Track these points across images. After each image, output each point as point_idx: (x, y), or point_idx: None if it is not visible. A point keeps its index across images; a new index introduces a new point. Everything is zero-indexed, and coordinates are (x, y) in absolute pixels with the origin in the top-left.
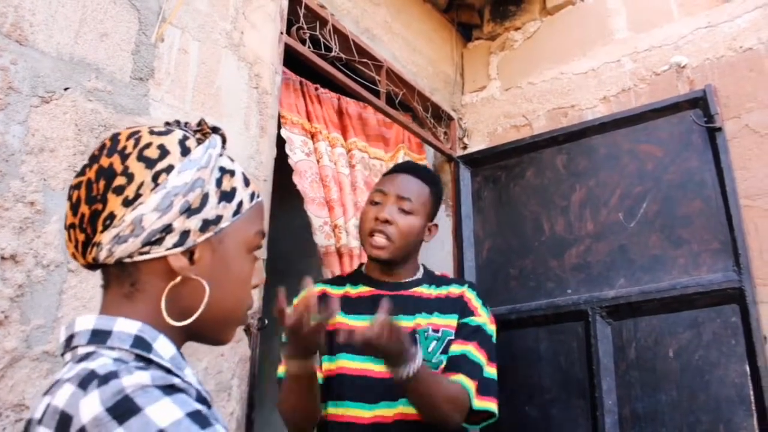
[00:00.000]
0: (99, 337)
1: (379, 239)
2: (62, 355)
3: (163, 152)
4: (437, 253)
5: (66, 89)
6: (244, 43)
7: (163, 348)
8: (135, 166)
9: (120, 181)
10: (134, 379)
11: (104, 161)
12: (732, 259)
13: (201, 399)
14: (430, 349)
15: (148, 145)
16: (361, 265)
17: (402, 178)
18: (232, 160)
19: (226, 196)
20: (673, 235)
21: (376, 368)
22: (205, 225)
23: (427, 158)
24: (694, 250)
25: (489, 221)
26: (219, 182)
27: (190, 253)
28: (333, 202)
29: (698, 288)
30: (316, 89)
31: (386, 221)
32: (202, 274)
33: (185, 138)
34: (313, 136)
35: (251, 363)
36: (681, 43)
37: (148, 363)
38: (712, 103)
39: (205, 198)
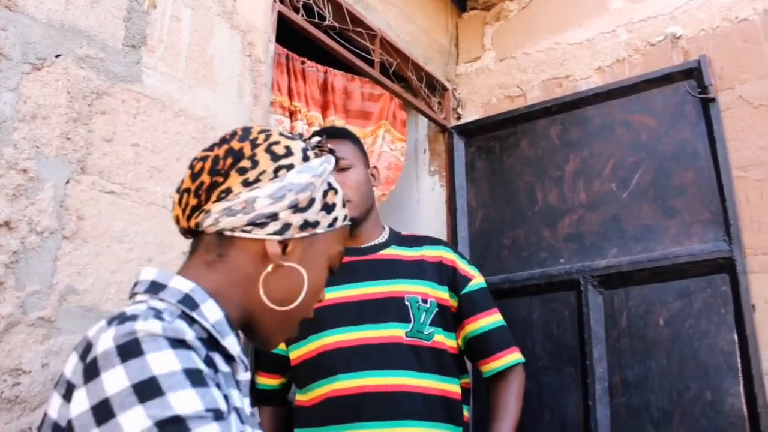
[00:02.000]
0: (155, 288)
1: None
2: (129, 299)
3: (288, 152)
4: (431, 223)
5: (57, 56)
6: (237, 10)
7: (210, 311)
8: (262, 155)
9: (245, 164)
10: (147, 326)
11: (235, 144)
12: (723, 229)
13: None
14: (421, 320)
15: (276, 143)
16: None
17: None
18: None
19: (327, 208)
20: (665, 205)
21: (375, 334)
22: (305, 225)
23: (413, 134)
24: (686, 220)
25: (482, 191)
26: (325, 194)
27: (284, 246)
28: None
29: (689, 258)
30: (303, 63)
31: None
32: (291, 261)
33: (307, 148)
34: (291, 115)
35: None
36: (676, 13)
37: (192, 321)
38: (707, 74)
39: (311, 202)
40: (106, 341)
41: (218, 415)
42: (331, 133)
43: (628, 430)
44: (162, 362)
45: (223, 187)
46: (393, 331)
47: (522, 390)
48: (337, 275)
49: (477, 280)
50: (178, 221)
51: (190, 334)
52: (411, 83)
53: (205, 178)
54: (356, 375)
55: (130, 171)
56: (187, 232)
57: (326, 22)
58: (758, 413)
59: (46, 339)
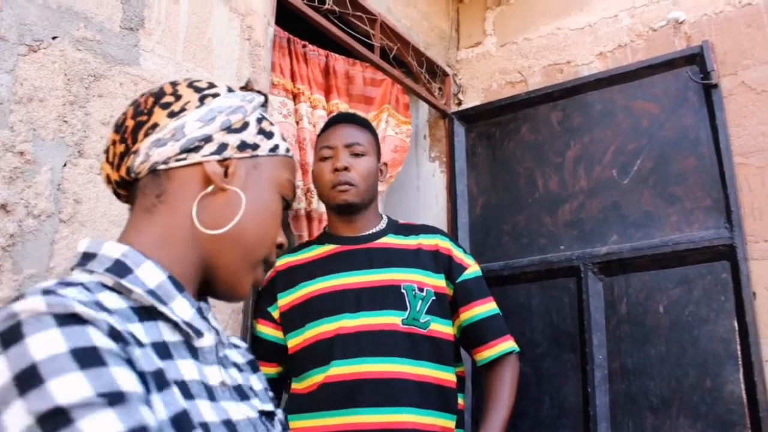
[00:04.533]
0: (85, 259)
1: (344, 187)
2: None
3: (212, 85)
4: (431, 209)
5: (54, 38)
6: None
7: (148, 274)
8: (184, 90)
9: (168, 99)
10: (28, 305)
11: (153, 89)
12: (724, 216)
13: (189, 332)
14: (417, 309)
15: (198, 80)
16: (325, 227)
17: (343, 127)
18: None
19: (265, 133)
20: (666, 192)
21: (371, 322)
22: (244, 145)
23: (414, 120)
24: (687, 207)
25: (483, 177)
26: (260, 120)
27: (225, 168)
28: (308, 166)
29: (690, 244)
30: (304, 46)
31: (345, 168)
32: (234, 185)
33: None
34: (295, 97)
35: (243, 315)
36: None
37: (119, 291)
38: (709, 60)
39: (245, 124)
40: None
41: (115, 399)
42: (354, 119)
43: (628, 417)
44: (43, 345)
45: (149, 124)
46: (389, 319)
47: (516, 378)
48: (325, 266)
49: (472, 269)
50: (109, 180)
51: (80, 307)
52: (411, 68)
53: (129, 122)
54: (351, 362)
55: None
56: (120, 188)
57: (326, 6)
58: (757, 400)
59: None
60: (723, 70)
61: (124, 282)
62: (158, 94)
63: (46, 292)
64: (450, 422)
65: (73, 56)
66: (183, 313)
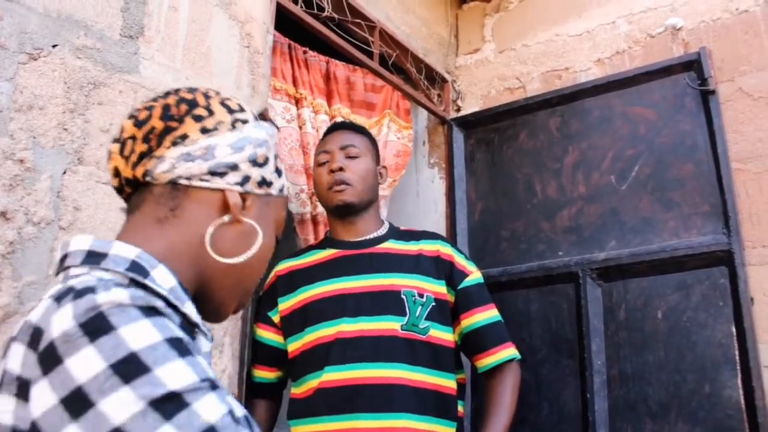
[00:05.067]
0: (93, 258)
1: (340, 186)
2: (56, 275)
3: (242, 108)
4: (430, 215)
5: (54, 46)
6: (235, 1)
7: (162, 277)
8: (217, 107)
9: (201, 111)
10: (110, 296)
11: (185, 94)
12: (722, 221)
13: (192, 333)
14: (417, 314)
15: (229, 99)
16: (327, 232)
17: (339, 133)
18: None
19: (278, 171)
20: (664, 197)
21: (371, 327)
22: (262, 182)
23: (414, 126)
24: (685, 212)
25: (482, 183)
26: (275, 158)
27: (243, 201)
28: (312, 170)
29: (688, 250)
30: (305, 52)
31: (340, 169)
32: (249, 217)
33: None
34: (297, 102)
35: (243, 321)
36: (677, 5)
37: (145, 290)
38: (706, 66)
39: (266, 160)
40: (63, 321)
41: (213, 384)
42: (350, 125)
43: (626, 423)
44: (139, 335)
45: (178, 133)
46: (388, 324)
47: (517, 386)
48: (325, 271)
49: (474, 276)
50: (116, 173)
51: (157, 301)
52: (410, 75)
53: (156, 123)
54: (349, 367)
55: None
56: (127, 185)
57: (325, 13)
58: (755, 405)
59: None
60: (720, 77)
61: (147, 282)
62: (191, 103)
63: (118, 285)
64: (450, 429)
65: (73, 64)
66: (195, 317)
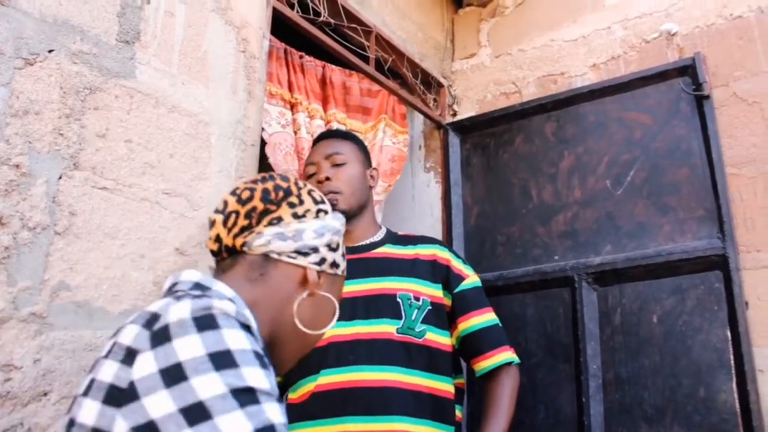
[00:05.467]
0: (200, 288)
1: (329, 196)
2: (163, 297)
3: (323, 200)
4: (426, 220)
5: (50, 51)
6: (231, 6)
7: (248, 318)
8: (306, 197)
9: (294, 200)
10: (223, 305)
11: (280, 182)
12: (717, 226)
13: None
14: (413, 318)
15: (313, 191)
16: None
17: (323, 143)
18: None
19: (343, 256)
20: (659, 202)
21: (366, 330)
22: (334, 264)
23: (410, 130)
24: (680, 217)
25: (477, 188)
26: (343, 243)
27: (318, 277)
28: (302, 177)
29: (683, 255)
30: (301, 57)
31: (326, 179)
32: (321, 290)
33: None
34: (292, 107)
35: None
36: (672, 10)
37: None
38: (701, 71)
39: (338, 245)
40: (181, 311)
41: (277, 396)
42: (334, 133)
43: (622, 427)
44: (236, 339)
45: (275, 215)
46: (384, 327)
47: (515, 389)
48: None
49: (471, 279)
50: (218, 240)
51: (253, 324)
52: (406, 80)
53: (258, 204)
54: (345, 370)
55: (123, 167)
56: (224, 251)
57: (321, 18)
58: (750, 410)
59: (37, 335)
60: (715, 82)
61: (241, 311)
62: (287, 191)
63: (218, 297)
64: None
65: (69, 69)
66: (267, 357)
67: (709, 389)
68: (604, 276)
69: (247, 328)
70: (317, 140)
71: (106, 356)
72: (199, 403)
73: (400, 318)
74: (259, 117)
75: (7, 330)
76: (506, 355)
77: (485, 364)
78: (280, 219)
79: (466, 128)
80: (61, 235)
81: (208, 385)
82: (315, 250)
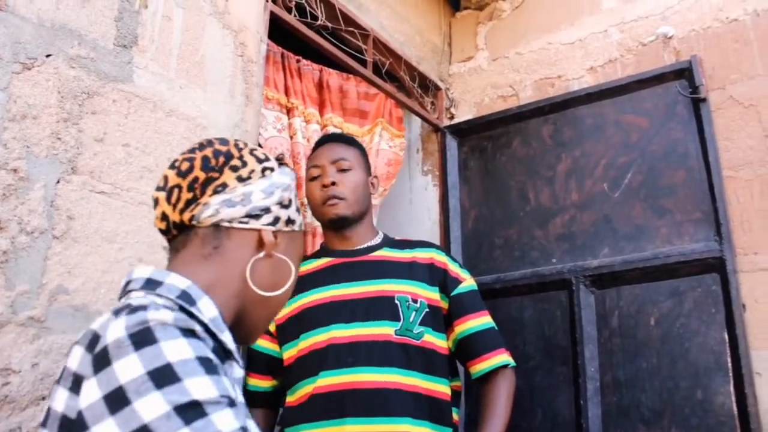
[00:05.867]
0: (151, 285)
1: (333, 201)
2: (119, 299)
3: (267, 158)
4: (424, 223)
5: (48, 56)
6: (228, 10)
7: (206, 307)
8: (248, 157)
9: (236, 162)
10: (158, 315)
11: (219, 147)
12: (714, 228)
13: (224, 359)
14: (411, 320)
15: (255, 149)
16: (322, 243)
17: (329, 146)
18: None
19: (298, 210)
20: (656, 205)
21: (365, 332)
22: (288, 221)
23: (407, 133)
24: (677, 219)
25: (475, 191)
26: (296, 197)
27: (274, 237)
28: (302, 180)
29: (680, 257)
30: (298, 61)
31: (333, 184)
32: (280, 252)
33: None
34: (289, 112)
35: None
36: (668, 13)
37: (189, 317)
38: (698, 74)
39: (290, 201)
40: (116, 330)
41: (231, 402)
42: (339, 137)
43: (620, 429)
44: (176, 350)
45: (218, 182)
46: (382, 329)
47: (511, 392)
48: (319, 279)
49: (467, 283)
50: (164, 218)
51: (198, 326)
52: (404, 83)
53: (199, 173)
54: (344, 371)
55: (121, 171)
56: (173, 228)
57: (319, 22)
58: (748, 412)
59: (36, 339)
60: (711, 85)
61: (193, 310)
62: (227, 155)
63: (166, 308)
64: None
65: (67, 74)
66: (231, 345)
67: (707, 392)
68: (602, 279)
69: (190, 332)
70: (322, 142)
71: (58, 381)
72: (143, 427)
73: (398, 320)
74: (256, 121)
75: (5, 334)
76: (502, 357)
77: (481, 366)
78: (224, 185)
79: (463, 131)
80: (59, 239)
81: (151, 406)
82: (266, 210)
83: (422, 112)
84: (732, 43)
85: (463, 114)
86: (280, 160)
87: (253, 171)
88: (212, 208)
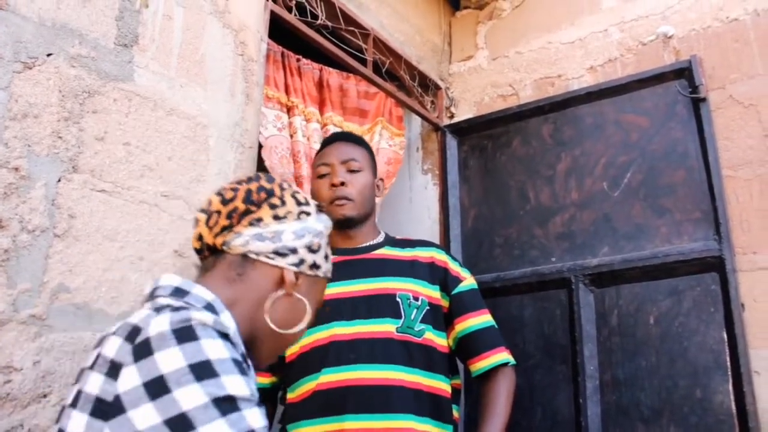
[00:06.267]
0: (179, 293)
1: (341, 201)
2: (144, 303)
3: (307, 202)
4: (424, 222)
5: (49, 55)
6: (229, 9)
7: (227, 321)
8: (288, 198)
9: (276, 201)
10: (201, 316)
11: (264, 184)
12: (713, 228)
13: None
14: (412, 317)
15: (298, 192)
16: None
17: (339, 145)
18: None
19: (327, 257)
20: (656, 204)
21: (366, 329)
22: (313, 266)
23: (407, 132)
24: (677, 219)
25: (475, 190)
26: (327, 245)
27: (296, 278)
28: (302, 179)
29: (679, 256)
30: (298, 60)
31: (342, 184)
32: (299, 291)
33: (318, 206)
34: (289, 110)
35: None
36: (668, 13)
37: None
38: (697, 74)
39: (320, 247)
40: (161, 325)
41: (258, 401)
42: (349, 137)
43: (619, 428)
44: (215, 349)
45: (255, 216)
46: (384, 327)
47: (511, 390)
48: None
49: (468, 282)
50: (200, 238)
51: (232, 330)
52: (404, 82)
53: (239, 204)
54: (346, 368)
55: (122, 169)
56: (206, 250)
57: (319, 21)
58: (746, 411)
59: (37, 337)
60: (711, 84)
61: (219, 319)
62: (269, 192)
63: (195, 310)
64: None
65: (68, 73)
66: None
67: (706, 390)
68: (601, 277)
69: (225, 336)
70: (331, 140)
71: (91, 367)
72: (182, 415)
73: (399, 317)
74: (256, 120)
75: (6, 332)
76: (502, 356)
77: (481, 364)
78: (260, 219)
79: (463, 130)
80: (60, 238)
81: (190, 396)
82: (294, 251)
83: (422, 111)
84: (732, 42)
85: (463, 113)
86: (320, 207)
87: (289, 212)
88: (243, 238)
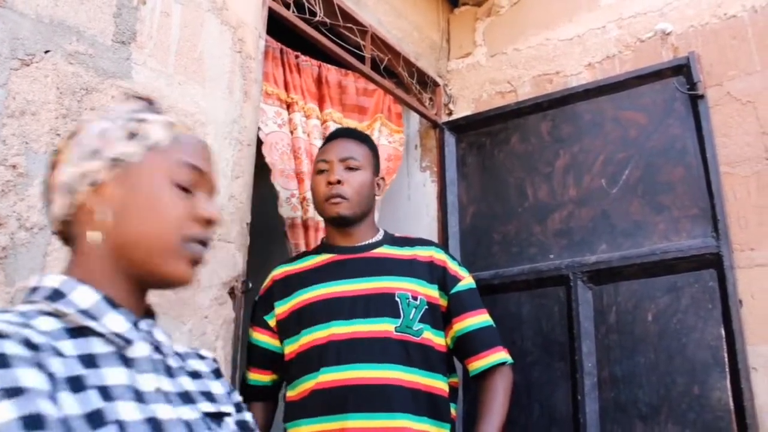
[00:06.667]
0: (32, 292)
1: (336, 200)
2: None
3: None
4: (422, 219)
5: (46, 52)
6: (227, 6)
7: (81, 296)
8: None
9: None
10: None
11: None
12: (711, 225)
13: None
14: (411, 317)
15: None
16: (323, 238)
17: (340, 142)
18: (157, 113)
19: (134, 137)
20: (654, 201)
21: (365, 329)
22: (114, 162)
23: (405, 129)
24: (675, 216)
25: (473, 187)
26: (124, 127)
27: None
28: (303, 175)
29: (677, 253)
30: (297, 57)
31: (338, 182)
32: (110, 205)
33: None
34: (289, 107)
35: (235, 325)
36: (666, 9)
37: (50, 315)
38: (695, 71)
39: (108, 141)
40: None
41: (14, 393)
42: (352, 133)
43: (617, 425)
44: None
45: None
46: (383, 326)
47: (508, 389)
48: (320, 275)
49: (466, 281)
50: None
51: (2, 325)
52: (402, 79)
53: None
54: (344, 368)
55: None
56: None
57: (317, 18)
58: (744, 407)
59: None
60: (709, 81)
61: (57, 306)
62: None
63: None
64: (443, 431)
65: (66, 70)
66: (115, 327)
67: (704, 387)
68: (600, 274)
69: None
70: (333, 137)
71: None
72: None
73: (398, 317)
74: (255, 117)
75: None
76: (500, 355)
77: (479, 364)
78: (48, 189)
79: (461, 127)
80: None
81: None
82: (80, 178)
83: (420, 108)
84: (730, 39)
85: (462, 110)
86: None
87: (59, 151)
88: (49, 216)
